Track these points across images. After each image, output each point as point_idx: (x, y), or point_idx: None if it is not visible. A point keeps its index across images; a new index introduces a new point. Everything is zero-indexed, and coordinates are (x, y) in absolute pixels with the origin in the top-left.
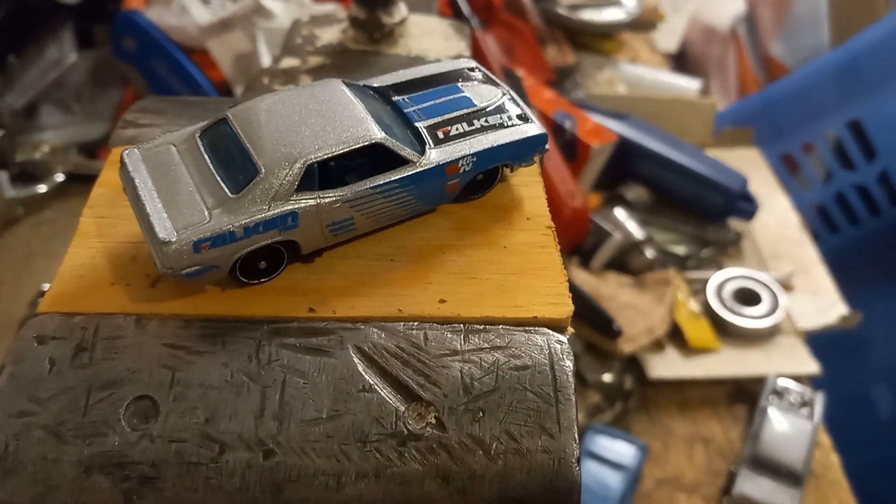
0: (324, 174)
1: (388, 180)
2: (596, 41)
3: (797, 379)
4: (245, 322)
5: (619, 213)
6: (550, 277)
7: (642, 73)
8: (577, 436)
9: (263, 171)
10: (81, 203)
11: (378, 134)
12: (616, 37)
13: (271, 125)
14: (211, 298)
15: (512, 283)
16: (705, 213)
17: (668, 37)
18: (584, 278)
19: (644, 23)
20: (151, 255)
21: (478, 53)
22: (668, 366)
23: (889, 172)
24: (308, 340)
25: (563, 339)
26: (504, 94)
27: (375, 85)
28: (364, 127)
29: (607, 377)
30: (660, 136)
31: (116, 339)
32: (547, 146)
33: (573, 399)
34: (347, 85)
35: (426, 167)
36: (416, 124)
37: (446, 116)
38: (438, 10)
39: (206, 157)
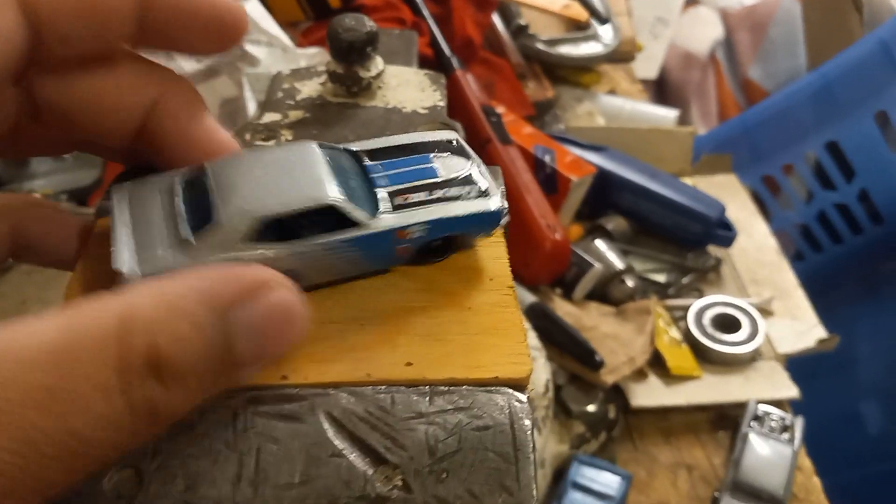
0: (277, 229)
1: (335, 239)
2: (574, 74)
3: (777, 404)
4: (223, 391)
5: (600, 244)
6: (511, 336)
7: (621, 105)
8: (535, 492)
9: (220, 220)
10: None
11: (331, 196)
12: (594, 69)
13: (240, 179)
14: None
15: (476, 343)
16: (684, 241)
17: (648, 65)
18: (566, 309)
19: (621, 54)
20: None
21: (458, 93)
22: (650, 394)
23: (868, 191)
24: (281, 407)
25: (523, 397)
26: (472, 168)
27: (354, 149)
28: (321, 189)
29: (591, 407)
30: (638, 166)
31: None
32: (503, 221)
33: (531, 457)
34: (322, 147)
35: (375, 230)
36: (377, 189)
37: (409, 185)
38: (419, 50)
39: (178, 199)
